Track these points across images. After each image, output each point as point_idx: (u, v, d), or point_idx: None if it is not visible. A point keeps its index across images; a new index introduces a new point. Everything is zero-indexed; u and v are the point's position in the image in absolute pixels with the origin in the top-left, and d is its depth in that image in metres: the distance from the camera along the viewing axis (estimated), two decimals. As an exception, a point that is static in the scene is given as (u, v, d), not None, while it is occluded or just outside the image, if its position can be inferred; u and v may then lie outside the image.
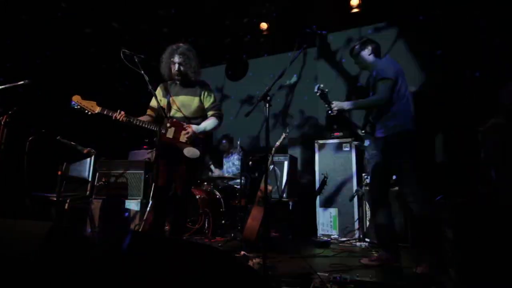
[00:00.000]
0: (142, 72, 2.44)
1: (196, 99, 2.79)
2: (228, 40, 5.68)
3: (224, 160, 5.22)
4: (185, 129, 2.66)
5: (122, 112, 2.55)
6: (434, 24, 4.37)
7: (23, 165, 3.09)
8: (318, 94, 2.66)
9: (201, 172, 4.96)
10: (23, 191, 3.26)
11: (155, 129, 2.58)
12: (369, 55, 2.89)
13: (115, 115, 2.55)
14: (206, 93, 2.82)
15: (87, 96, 2.62)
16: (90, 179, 3.82)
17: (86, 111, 2.57)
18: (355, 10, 4.66)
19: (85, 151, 3.56)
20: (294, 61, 2.31)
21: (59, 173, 3.20)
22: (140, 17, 4.96)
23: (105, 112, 2.56)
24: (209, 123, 2.77)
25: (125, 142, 5.09)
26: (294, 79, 5.65)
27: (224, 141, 5.17)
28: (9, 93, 2.86)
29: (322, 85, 2.65)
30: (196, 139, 2.68)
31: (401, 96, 2.68)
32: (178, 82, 2.82)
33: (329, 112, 2.72)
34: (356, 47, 2.93)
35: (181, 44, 2.77)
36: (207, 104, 2.82)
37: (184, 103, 2.77)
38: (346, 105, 2.73)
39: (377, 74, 2.72)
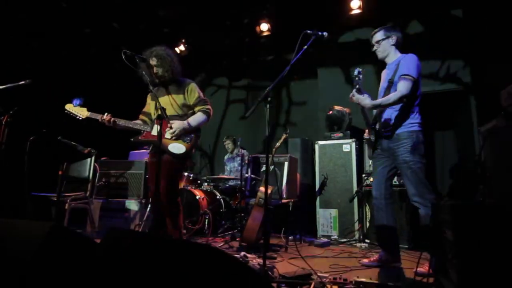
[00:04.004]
0: (143, 72, 2.43)
1: (180, 96, 2.80)
2: (229, 41, 5.68)
3: (227, 161, 5.22)
4: (168, 127, 2.67)
5: (109, 115, 2.59)
6: (433, 24, 4.38)
7: (23, 165, 3.09)
8: (356, 78, 2.53)
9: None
10: (24, 191, 3.26)
11: (141, 128, 2.68)
12: (392, 45, 2.71)
13: (101, 116, 2.60)
14: (189, 89, 2.82)
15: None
16: (90, 179, 3.83)
17: (77, 117, 2.68)
18: (356, 11, 4.67)
19: (85, 151, 3.56)
20: (294, 62, 2.31)
21: (60, 173, 3.20)
22: (139, 17, 4.97)
23: (93, 117, 2.63)
24: (196, 118, 2.77)
25: (125, 142, 5.09)
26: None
27: (228, 142, 5.16)
28: (10, 93, 2.86)
29: (361, 69, 2.54)
30: (182, 135, 2.69)
31: (416, 97, 2.60)
32: (160, 85, 2.84)
33: (354, 93, 2.56)
34: (380, 33, 2.73)
35: (154, 48, 2.78)
36: (192, 100, 2.81)
37: (169, 102, 2.78)
38: (368, 103, 2.56)
39: (400, 69, 2.59)
